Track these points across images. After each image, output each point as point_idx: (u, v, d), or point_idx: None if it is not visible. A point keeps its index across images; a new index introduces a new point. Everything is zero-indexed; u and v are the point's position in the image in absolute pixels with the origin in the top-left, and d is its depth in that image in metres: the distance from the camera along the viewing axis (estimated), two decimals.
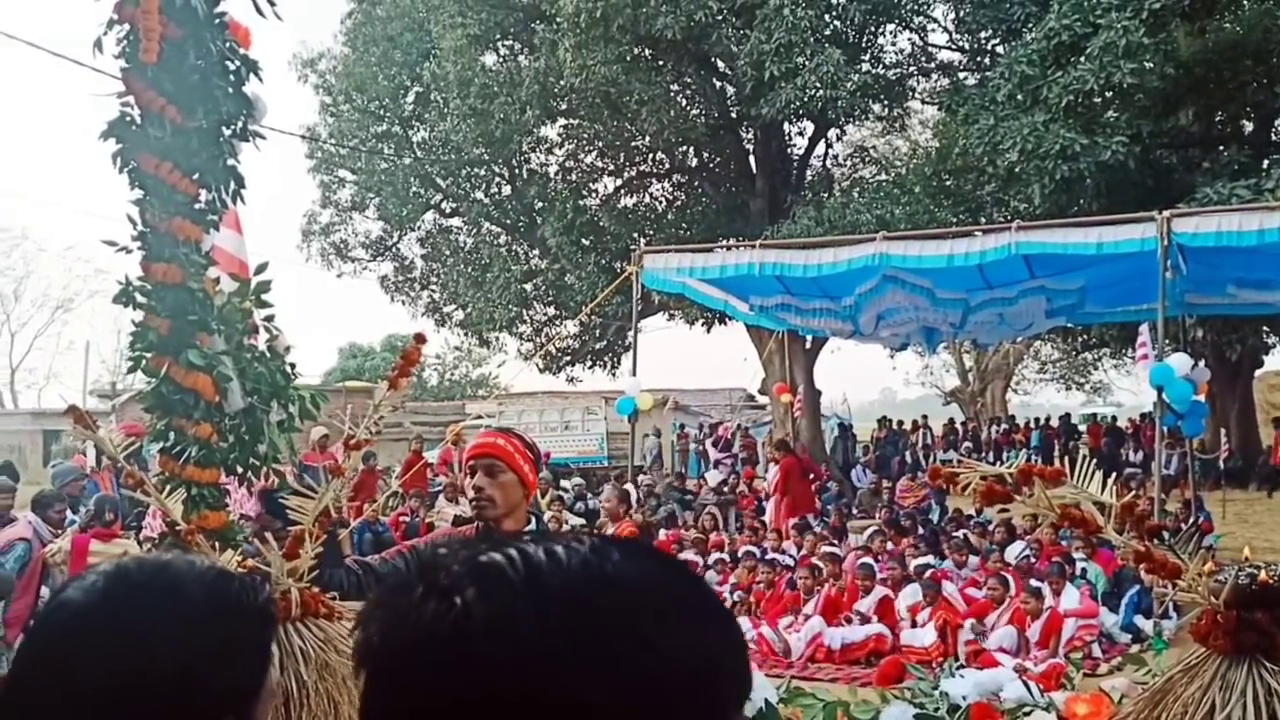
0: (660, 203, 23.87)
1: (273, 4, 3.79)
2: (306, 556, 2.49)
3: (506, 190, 24.17)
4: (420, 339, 2.84)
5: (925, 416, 26.15)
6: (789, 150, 22.01)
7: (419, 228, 25.44)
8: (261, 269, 4.02)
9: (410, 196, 24.20)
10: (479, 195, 24.33)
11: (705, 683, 0.78)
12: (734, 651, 0.83)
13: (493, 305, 22.53)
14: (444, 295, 25.34)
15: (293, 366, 3.84)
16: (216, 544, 3.04)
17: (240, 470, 3.65)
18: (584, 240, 21.42)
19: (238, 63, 3.71)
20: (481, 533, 2.96)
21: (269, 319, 3.84)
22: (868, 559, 10.44)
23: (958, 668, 7.54)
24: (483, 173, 23.95)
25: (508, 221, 24.19)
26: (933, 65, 20.65)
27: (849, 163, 24.19)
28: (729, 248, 13.57)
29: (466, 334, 25.63)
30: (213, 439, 3.56)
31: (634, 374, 14.15)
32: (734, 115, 20.57)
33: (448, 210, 25.10)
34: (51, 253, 44.15)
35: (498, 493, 2.89)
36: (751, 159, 21.59)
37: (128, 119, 3.59)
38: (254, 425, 3.67)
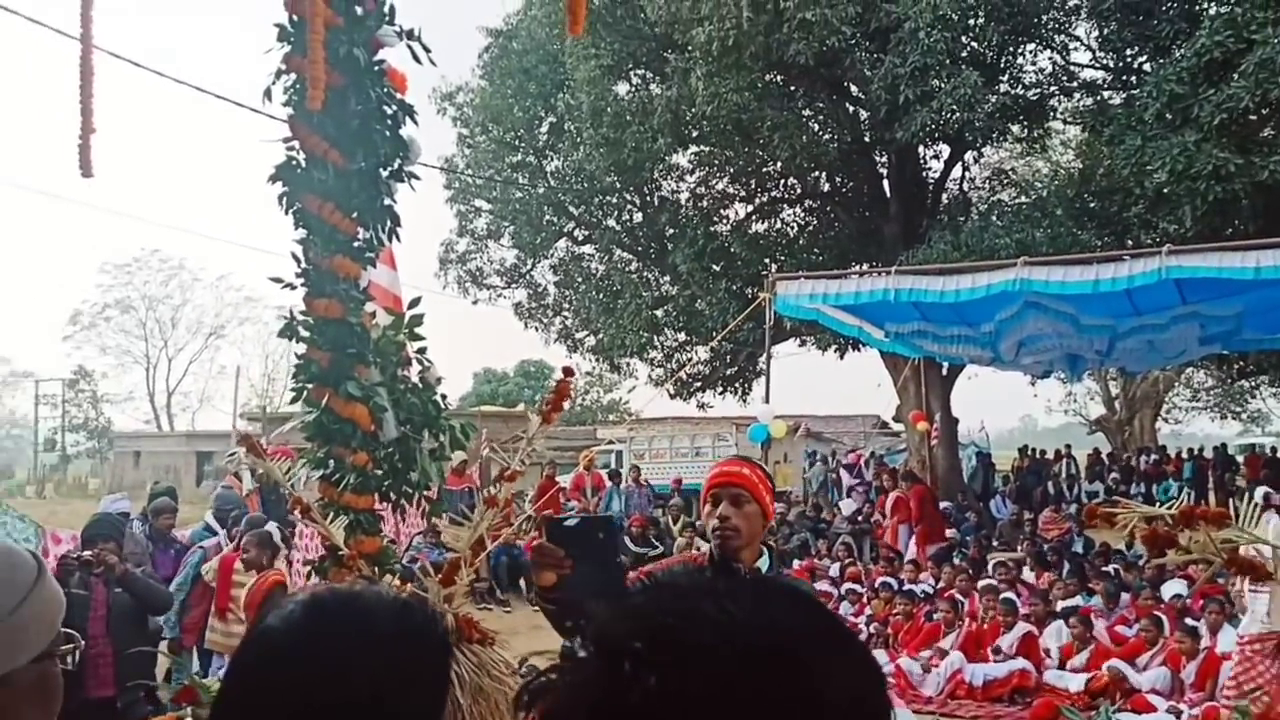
0: (792, 228, 23.79)
1: (428, 51, 3.96)
2: (463, 583, 2.58)
3: (638, 217, 24.43)
4: (568, 372, 2.92)
5: (1069, 446, 25.28)
6: (924, 174, 21.71)
7: (552, 255, 25.88)
8: (414, 303, 4.18)
9: (544, 224, 24.67)
10: (611, 222, 24.65)
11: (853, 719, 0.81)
12: (878, 687, 0.85)
13: (624, 331, 22.74)
14: (576, 321, 25.70)
15: (444, 398, 3.98)
16: (375, 568, 3.17)
17: (394, 497, 3.79)
18: (715, 266, 21.48)
19: (395, 107, 3.88)
20: (714, 564, 2.90)
21: (421, 351, 3.99)
22: (1010, 594, 10.16)
23: (1115, 711, 7.28)
24: (614, 200, 24.26)
25: (639, 248, 24.43)
26: (1075, 84, 20.08)
27: (987, 185, 23.69)
28: (863, 273, 13.46)
29: (598, 360, 25.93)
30: (368, 466, 3.70)
31: (766, 400, 14.12)
32: (867, 139, 20.39)
33: (580, 238, 25.49)
34: (205, 282, 46.25)
35: (743, 523, 2.86)
36: (885, 183, 21.36)
37: (293, 163, 3.78)
38: (407, 454, 3.81)
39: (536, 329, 26.79)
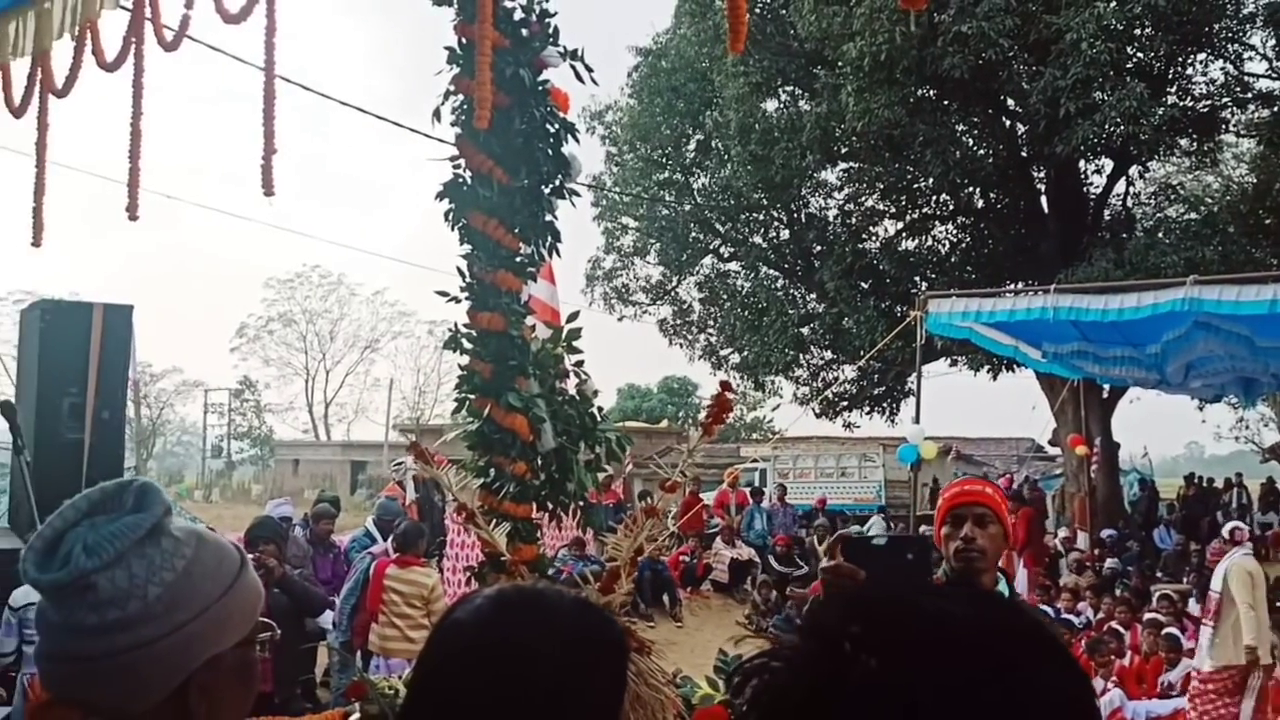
0: (944, 245, 23.27)
1: (590, 70, 4.06)
2: (622, 591, 2.63)
3: (785, 234, 24.30)
4: (726, 386, 2.94)
5: (1240, 474, 23.94)
6: (1085, 189, 20.96)
7: (698, 272, 25.95)
8: (573, 317, 4.27)
9: (690, 242, 24.77)
10: (757, 239, 24.58)
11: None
12: (1088, 693, 0.85)
13: (769, 349, 22.61)
14: (721, 339, 25.68)
15: (600, 410, 4.05)
16: (535, 574, 3.24)
17: (550, 506, 3.88)
18: (863, 284, 21.20)
19: (557, 125, 3.99)
20: (956, 585, 2.77)
21: (579, 364, 4.07)
22: (1173, 629, 9.69)
23: None
24: (761, 217, 24.19)
25: (785, 265, 24.29)
26: (1249, 95, 19.10)
27: (1152, 201, 22.71)
28: (1019, 291, 13.07)
29: (742, 377, 25.84)
30: (527, 476, 3.80)
31: (916, 420, 13.85)
32: (1025, 154, 19.84)
33: (726, 255, 25.50)
34: (362, 297, 47.86)
35: (988, 544, 2.80)
36: (1043, 199, 20.72)
37: (459, 180, 3.93)
38: (564, 464, 3.89)
39: (681, 346, 26.90)
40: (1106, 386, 18.66)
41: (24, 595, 5.51)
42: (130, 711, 1.27)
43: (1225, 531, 9.16)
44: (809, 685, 0.81)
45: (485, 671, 1.20)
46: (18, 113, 5.32)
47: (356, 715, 3.18)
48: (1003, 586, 2.84)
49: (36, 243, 5.36)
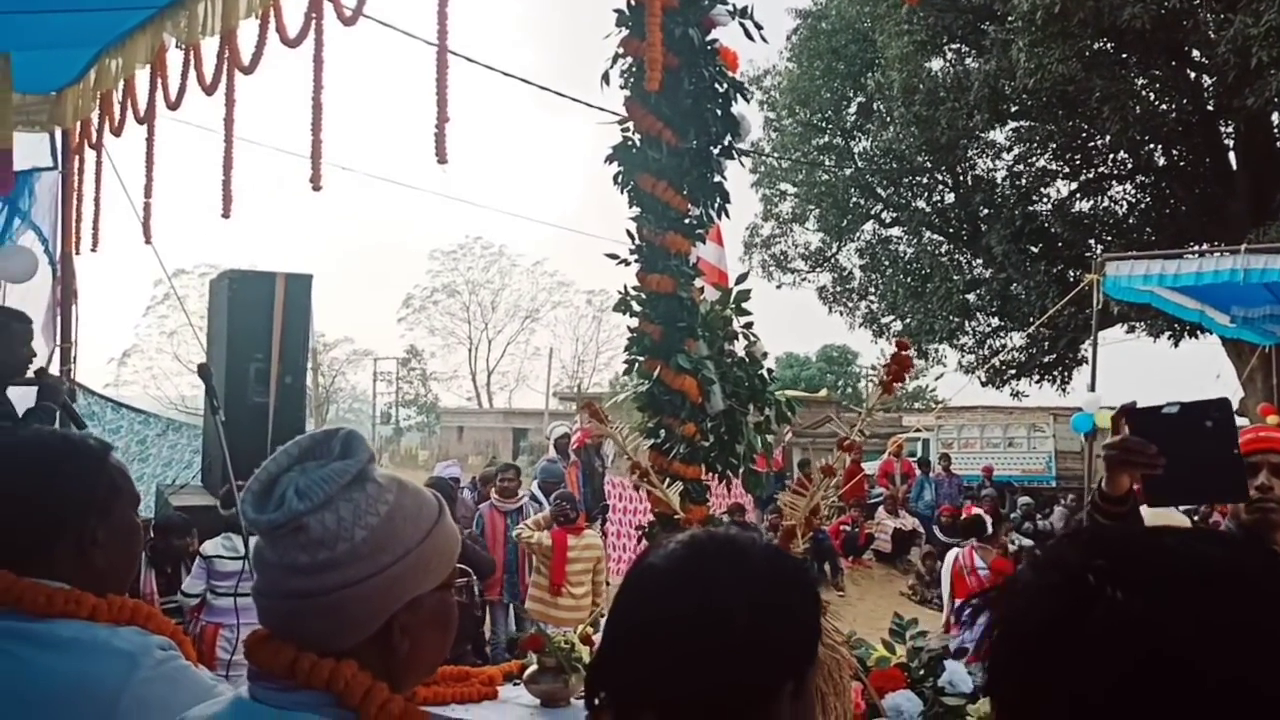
0: (1121, 206, 22.17)
1: (760, 28, 4.00)
2: (797, 550, 2.61)
3: (950, 198, 23.60)
4: (904, 345, 2.87)
5: None
6: (1278, 144, 19.63)
7: (858, 238, 25.48)
8: (741, 279, 4.24)
9: (850, 207, 24.32)
10: (921, 204, 23.96)
11: None
12: None
13: (933, 316, 22.06)
14: (882, 306, 25.19)
15: (770, 372, 4.02)
16: None
17: (720, 468, 3.87)
18: (1033, 248, 20.44)
19: (726, 85, 3.95)
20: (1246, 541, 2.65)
21: (748, 326, 4.04)
22: None
23: None
24: (925, 181, 23.56)
25: (950, 230, 23.61)
26: None
27: None
28: (1204, 253, 12.36)
29: None
30: (696, 437, 3.80)
31: (1092, 389, 13.31)
32: (1211, 108, 18.69)
33: (888, 220, 24.95)
34: (522, 267, 48.78)
35: None
36: (1231, 155, 19.49)
37: (629, 143, 3.94)
38: (733, 426, 3.88)
39: (841, 314, 26.48)
40: None
41: (213, 546, 5.87)
42: (338, 647, 1.32)
43: None
44: (1046, 617, 0.79)
45: (679, 616, 1.19)
46: (209, 90, 5.60)
47: (534, 667, 3.26)
48: None
49: (226, 214, 5.65)
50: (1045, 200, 22.15)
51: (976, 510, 11.17)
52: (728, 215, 4.11)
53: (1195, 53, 18.38)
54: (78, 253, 7.23)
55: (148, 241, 6.40)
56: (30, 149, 6.94)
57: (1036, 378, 22.89)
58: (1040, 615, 0.79)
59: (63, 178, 7.26)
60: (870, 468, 17.92)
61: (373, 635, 1.35)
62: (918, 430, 22.69)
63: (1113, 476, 2.13)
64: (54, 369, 7.06)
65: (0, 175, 6.18)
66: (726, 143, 4.00)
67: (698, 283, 4.02)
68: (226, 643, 5.73)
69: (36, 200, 7.19)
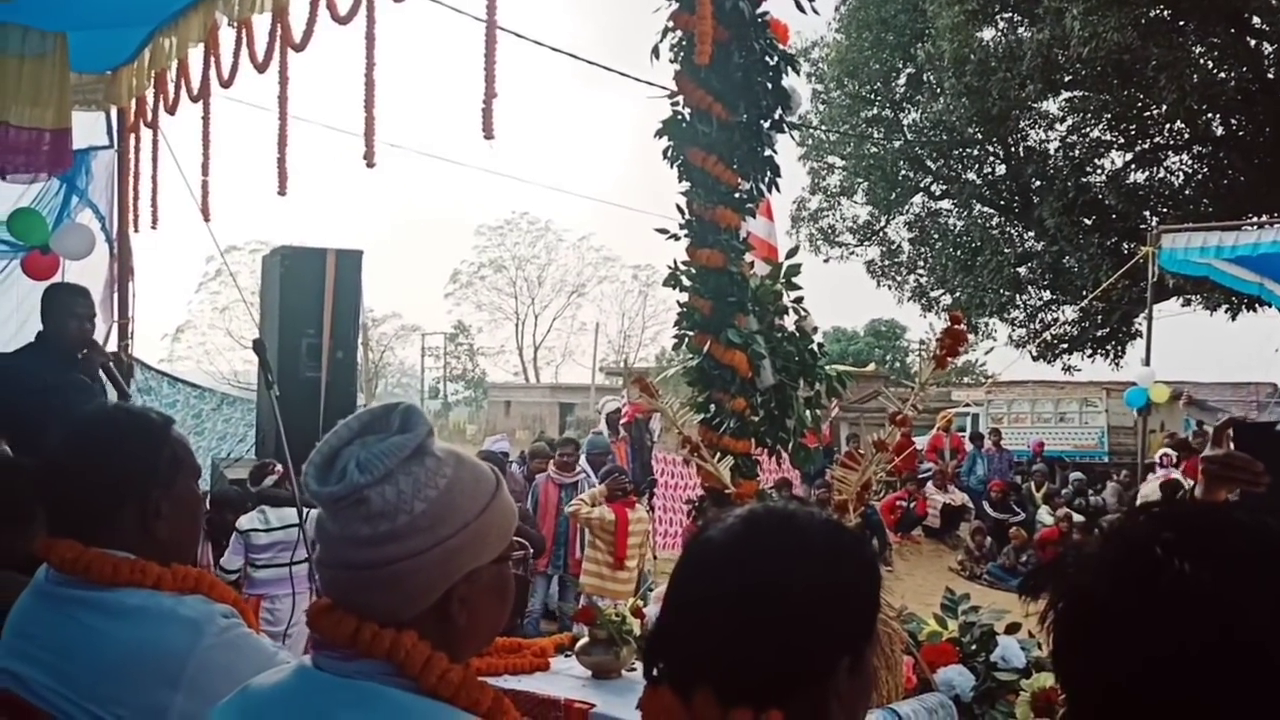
0: (1177, 177, 21.73)
1: (811, 0, 3.97)
2: (850, 524, 2.58)
3: (1001, 169, 23.28)
4: (956, 319, 2.83)
5: None
6: None
7: (907, 211, 25.23)
8: (792, 253, 4.22)
9: (899, 180, 24.08)
10: (971, 176, 23.65)
11: None
12: None
13: (983, 290, 21.81)
14: (931, 279, 24.94)
15: (820, 347, 4.00)
16: None
17: (770, 442, 3.87)
18: (1086, 220, 20.12)
19: (776, 58, 3.92)
20: None
21: (798, 300, 4.03)
22: None
23: None
24: (976, 152, 23.24)
25: (1001, 202, 23.29)
26: None
27: None
28: (1263, 224, 12.09)
29: None
30: (746, 412, 3.80)
31: (1146, 363, 13.11)
32: (1271, 76, 18.23)
33: (937, 192, 24.66)
34: (569, 243, 48.83)
35: None
36: None
37: (678, 117, 3.92)
38: (783, 401, 3.87)
39: (889, 287, 26.29)
40: None
41: (248, 520, 5.97)
42: (398, 618, 1.34)
43: None
44: (1113, 588, 0.80)
45: (737, 589, 1.20)
46: (261, 67, 5.65)
47: (585, 639, 3.29)
48: None
49: (282, 191, 5.71)
50: (1099, 171, 21.78)
51: None
52: (778, 189, 4.08)
53: (1255, 19, 17.95)
54: (135, 230, 7.35)
55: (206, 219, 6.49)
56: (87, 128, 7.05)
57: (1089, 352, 22.58)
58: (1106, 586, 0.79)
59: (119, 156, 7.37)
60: (919, 443, 17.77)
61: (432, 606, 1.37)
62: (967, 405, 22.46)
63: (1210, 489, 2.02)
64: (112, 345, 7.20)
65: (59, 154, 6.28)
66: (777, 116, 3.97)
67: (747, 257, 4.00)
68: (270, 614, 5.83)
69: (93, 178, 7.31)
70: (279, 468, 6.43)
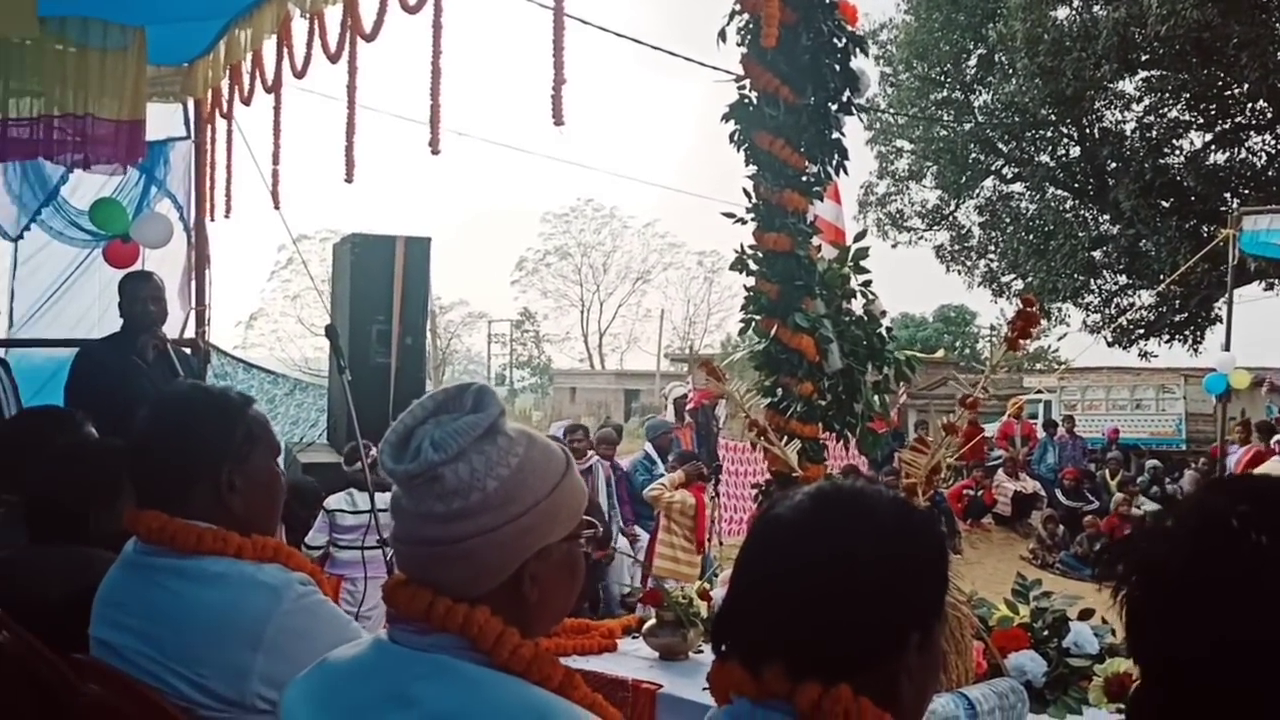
0: (1259, 158, 21.12)
1: None
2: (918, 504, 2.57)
3: (1075, 151, 22.82)
4: (1030, 301, 2.79)
5: None
6: None
7: (978, 194, 24.83)
8: (860, 236, 4.19)
9: (969, 163, 23.72)
10: (1044, 158, 23.22)
11: None
12: None
13: (1056, 274, 21.43)
14: (1003, 264, 24.53)
15: (889, 330, 3.97)
16: None
17: (837, 427, 3.85)
18: (1164, 202, 19.66)
19: (845, 40, 3.89)
20: None
21: (866, 284, 4.00)
22: None
23: None
24: (1049, 134, 22.81)
25: (1075, 185, 22.83)
26: None
27: None
28: None
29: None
30: (813, 396, 3.78)
31: (1226, 348, 12.78)
32: None
33: (1009, 175, 24.24)
34: (633, 229, 48.78)
35: None
36: None
37: (745, 101, 3.91)
38: (851, 385, 3.85)
39: (959, 273, 25.90)
40: None
41: (335, 501, 6.09)
42: (472, 593, 1.37)
43: None
44: (1188, 560, 0.80)
45: (806, 563, 1.20)
46: (333, 58, 5.74)
47: (652, 620, 3.31)
48: None
49: (349, 179, 5.80)
50: (1177, 152, 21.27)
51: None
52: (846, 172, 4.05)
53: None
54: (211, 219, 7.51)
55: (276, 207, 6.62)
56: (164, 119, 7.22)
57: (1166, 337, 22.10)
58: (1182, 559, 0.79)
59: (195, 147, 7.53)
60: (990, 430, 17.51)
61: (504, 583, 1.39)
62: (1039, 392, 22.08)
63: None
64: (189, 332, 7.38)
65: (134, 145, 6.44)
66: (845, 99, 3.94)
67: (815, 241, 3.98)
68: (350, 595, 5.94)
69: (171, 169, 7.48)
70: (375, 451, 6.55)
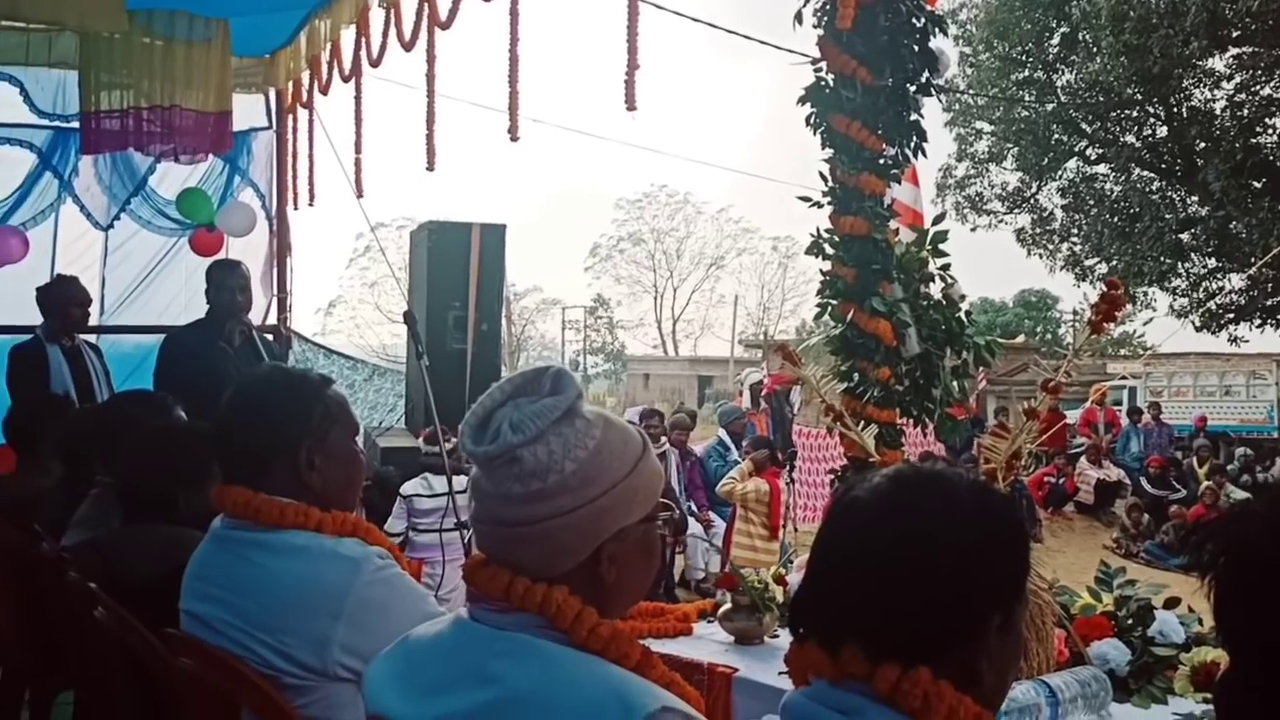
0: None
1: None
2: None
3: (1162, 131, 22.19)
4: (1114, 284, 2.73)
5: None
6: None
7: (1060, 176, 24.29)
8: (938, 220, 4.13)
9: (1052, 144, 23.21)
10: (1130, 138, 22.62)
11: None
12: None
13: (1141, 258, 20.90)
14: (1086, 248, 23.98)
15: (968, 314, 3.90)
16: None
17: (915, 412, 3.80)
18: (1255, 183, 19.07)
19: (923, 20, 3.82)
20: None
21: (944, 268, 3.93)
22: None
23: None
24: (1135, 114, 22.21)
25: (1162, 166, 22.22)
26: None
27: None
28: None
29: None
30: (890, 381, 3.74)
31: None
32: None
33: (1093, 156, 23.66)
34: (707, 215, 48.68)
35: None
36: None
37: (821, 84, 3.86)
38: (929, 370, 3.79)
39: (1040, 256, 25.37)
40: None
41: (412, 486, 6.18)
42: (550, 574, 1.39)
43: None
44: (1278, 541, 0.79)
45: (885, 544, 1.20)
46: (408, 46, 5.82)
47: (728, 605, 3.32)
48: None
49: (430, 167, 5.88)
50: (1270, 131, 20.58)
51: None
52: (924, 154, 3.98)
53: None
54: (295, 208, 7.66)
55: (359, 196, 6.74)
56: (247, 110, 7.39)
57: (1258, 322, 21.44)
58: (1270, 540, 0.78)
59: (277, 136, 7.69)
60: (1072, 416, 17.17)
61: (582, 563, 1.41)
62: (1124, 378, 21.60)
63: None
64: (271, 319, 7.56)
65: (221, 135, 6.60)
66: (924, 80, 3.87)
67: (892, 224, 3.92)
68: (429, 578, 6.02)
69: (254, 158, 7.65)
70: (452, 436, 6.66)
